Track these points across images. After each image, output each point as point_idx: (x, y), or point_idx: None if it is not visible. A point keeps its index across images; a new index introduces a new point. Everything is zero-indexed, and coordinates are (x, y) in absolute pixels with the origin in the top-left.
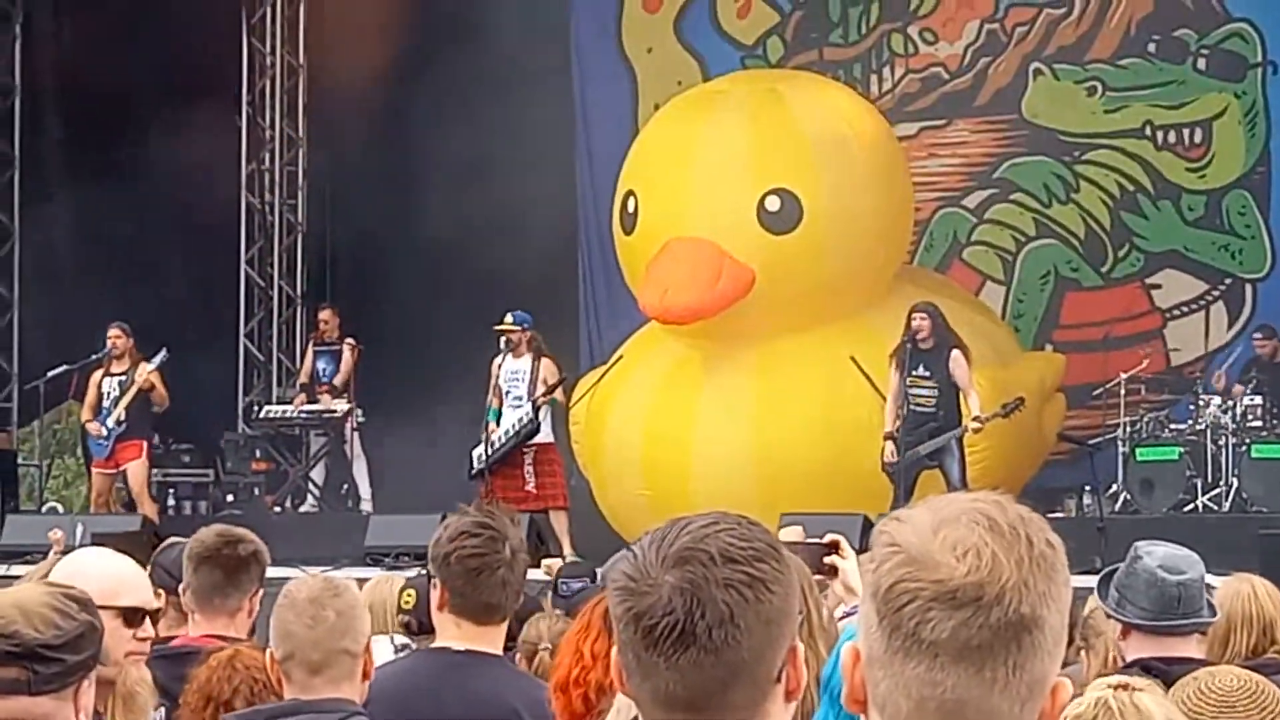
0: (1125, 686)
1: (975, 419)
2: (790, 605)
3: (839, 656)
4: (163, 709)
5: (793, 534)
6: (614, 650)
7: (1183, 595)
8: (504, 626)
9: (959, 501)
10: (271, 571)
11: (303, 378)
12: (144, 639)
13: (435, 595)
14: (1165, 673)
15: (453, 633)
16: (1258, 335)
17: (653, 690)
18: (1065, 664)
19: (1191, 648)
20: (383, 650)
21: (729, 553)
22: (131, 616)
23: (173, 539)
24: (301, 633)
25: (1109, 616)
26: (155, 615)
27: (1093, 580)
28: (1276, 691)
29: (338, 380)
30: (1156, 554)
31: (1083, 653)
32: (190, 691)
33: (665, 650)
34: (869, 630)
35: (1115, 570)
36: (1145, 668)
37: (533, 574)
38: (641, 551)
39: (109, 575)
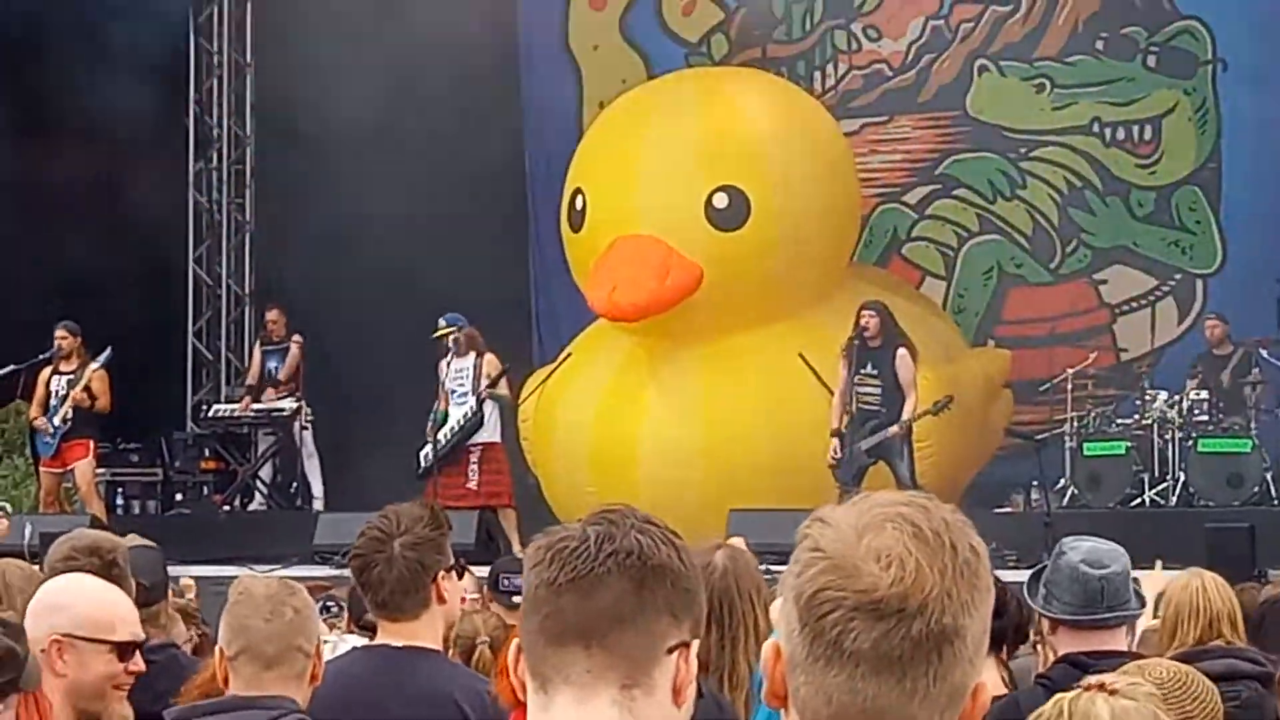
0: (1103, 687)
1: (907, 419)
2: (694, 599)
3: None
4: None
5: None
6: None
7: (1105, 589)
8: (429, 620)
9: (885, 504)
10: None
11: (251, 378)
12: (134, 672)
13: None
14: (1092, 667)
15: (389, 629)
16: (1210, 318)
17: (543, 620)
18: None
19: (1119, 641)
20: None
21: (647, 520)
22: (126, 651)
23: None
24: (259, 627)
25: (1038, 613)
26: (141, 648)
27: None
28: (1207, 682)
29: (281, 375)
30: (1080, 549)
31: (1037, 647)
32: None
33: (570, 571)
34: (790, 634)
35: (1045, 567)
36: (1072, 663)
37: (482, 570)
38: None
39: (102, 607)
